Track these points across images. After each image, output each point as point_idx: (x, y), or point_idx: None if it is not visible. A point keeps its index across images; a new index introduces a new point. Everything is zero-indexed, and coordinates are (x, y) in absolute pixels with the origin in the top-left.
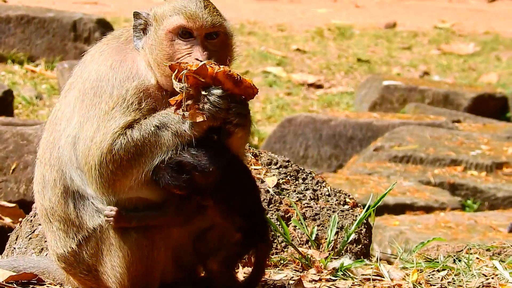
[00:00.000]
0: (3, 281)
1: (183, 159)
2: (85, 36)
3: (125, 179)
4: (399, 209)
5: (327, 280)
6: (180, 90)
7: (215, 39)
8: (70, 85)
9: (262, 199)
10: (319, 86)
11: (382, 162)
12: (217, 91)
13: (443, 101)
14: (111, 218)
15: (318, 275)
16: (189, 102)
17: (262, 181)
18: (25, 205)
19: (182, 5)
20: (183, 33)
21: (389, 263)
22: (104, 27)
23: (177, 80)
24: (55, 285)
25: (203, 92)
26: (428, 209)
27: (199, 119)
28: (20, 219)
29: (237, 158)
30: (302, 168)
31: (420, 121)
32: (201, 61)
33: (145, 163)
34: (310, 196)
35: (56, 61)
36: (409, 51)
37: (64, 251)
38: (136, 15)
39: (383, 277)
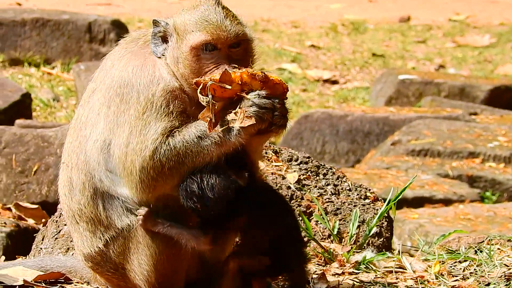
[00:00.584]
0: (31, 280)
1: (190, 185)
2: (100, 38)
3: (165, 185)
4: (418, 202)
5: (350, 274)
6: (206, 104)
7: (238, 47)
8: (93, 91)
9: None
10: (335, 82)
11: (400, 156)
12: (259, 92)
13: (459, 94)
14: (141, 217)
15: (341, 269)
16: (236, 109)
17: (283, 178)
18: (47, 206)
19: (203, 18)
20: (207, 48)
21: (410, 256)
22: (119, 28)
23: (204, 94)
24: (82, 284)
25: (247, 96)
26: (447, 202)
27: (248, 122)
28: (43, 220)
29: (266, 188)
30: (323, 164)
31: (437, 114)
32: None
33: (186, 171)
34: (331, 191)
35: (72, 63)
36: (424, 44)
37: (91, 251)
38: (155, 23)
39: (406, 269)
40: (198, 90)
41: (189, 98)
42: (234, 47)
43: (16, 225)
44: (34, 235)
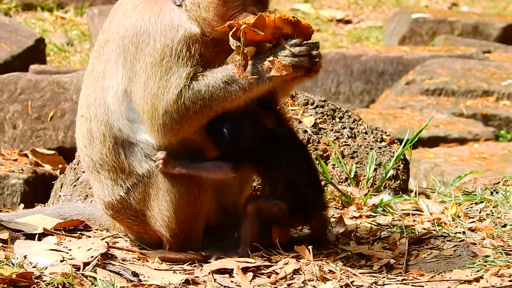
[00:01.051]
0: (51, 228)
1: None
2: None
3: (190, 128)
4: (433, 142)
5: (367, 217)
6: (236, 48)
7: None
8: (106, 42)
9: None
10: (348, 22)
11: (414, 96)
12: (296, 41)
13: (473, 32)
14: (160, 161)
15: (358, 212)
16: (271, 58)
17: (300, 122)
18: (64, 152)
19: None
20: None
21: (426, 196)
22: None
23: (234, 37)
24: (102, 231)
25: (284, 44)
26: (461, 141)
27: (285, 72)
28: (59, 166)
29: (289, 133)
30: (339, 107)
31: (451, 53)
32: (255, 14)
33: (210, 115)
34: (347, 135)
35: (85, 7)
36: None
37: (112, 199)
38: None
39: (422, 212)
40: (230, 33)
41: (210, 44)
42: None
43: (33, 171)
44: (53, 182)
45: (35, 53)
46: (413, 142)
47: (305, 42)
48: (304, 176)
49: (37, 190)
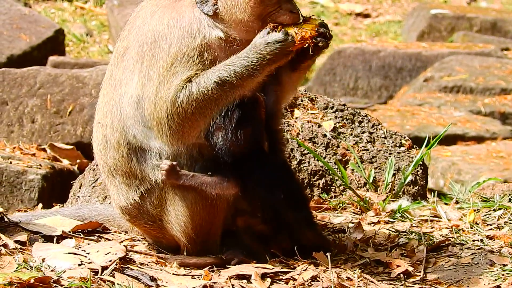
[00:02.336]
0: (69, 231)
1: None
2: None
3: (193, 129)
4: (451, 139)
5: (386, 222)
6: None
7: None
8: (125, 49)
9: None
10: (367, 15)
11: (432, 93)
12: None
13: (491, 29)
14: (164, 172)
15: (377, 217)
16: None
17: (319, 126)
18: (82, 147)
19: None
20: None
21: (442, 194)
22: None
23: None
24: (120, 233)
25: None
26: (479, 139)
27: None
28: (77, 161)
29: (277, 158)
30: (358, 111)
31: (469, 50)
32: (294, 12)
33: (210, 114)
34: (366, 139)
35: None
36: None
37: (127, 203)
38: None
39: (440, 218)
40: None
41: (225, 46)
42: None
43: (51, 166)
44: (72, 182)
45: (54, 44)
46: (428, 139)
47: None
48: (283, 201)
49: (55, 186)
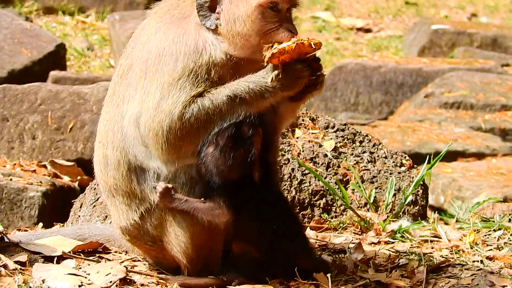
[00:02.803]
0: (70, 251)
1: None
2: None
3: (190, 144)
4: (451, 156)
5: (386, 243)
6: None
7: (293, 9)
8: (129, 67)
9: (293, 211)
10: (368, 30)
11: (433, 109)
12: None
13: (492, 44)
14: (158, 194)
15: (377, 238)
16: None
17: (320, 145)
18: (83, 163)
19: None
20: (273, 7)
21: (443, 211)
22: None
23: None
24: (121, 253)
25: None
26: (479, 156)
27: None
28: (78, 177)
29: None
30: (359, 131)
31: (470, 66)
32: (292, 32)
33: (213, 128)
34: (367, 159)
35: (106, 12)
36: None
37: (127, 224)
38: None
39: (441, 238)
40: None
41: (230, 65)
42: (291, 9)
43: (51, 184)
44: (72, 201)
45: (56, 58)
46: (429, 155)
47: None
48: (278, 232)
49: (55, 203)
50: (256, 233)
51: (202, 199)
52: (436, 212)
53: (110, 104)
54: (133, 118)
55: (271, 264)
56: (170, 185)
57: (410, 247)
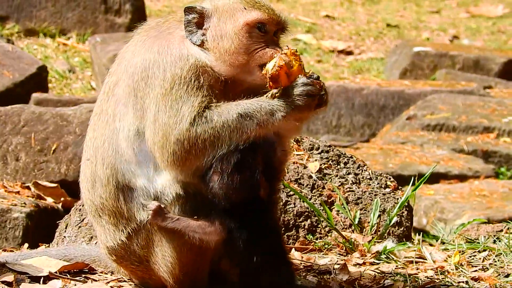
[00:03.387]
0: (56, 271)
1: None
2: (116, 9)
3: (197, 159)
4: (434, 178)
5: (371, 264)
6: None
7: (281, 33)
8: (115, 83)
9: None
10: (349, 53)
11: (415, 131)
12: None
13: (474, 67)
14: (151, 212)
15: (362, 259)
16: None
17: (305, 167)
18: (66, 185)
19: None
20: (260, 28)
21: (426, 233)
22: None
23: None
24: (106, 273)
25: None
26: (462, 178)
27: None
28: (62, 199)
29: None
30: (343, 153)
31: (452, 88)
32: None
33: (221, 146)
34: (352, 180)
35: (87, 34)
36: (438, 14)
37: (114, 244)
38: (189, 9)
39: (426, 259)
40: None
41: (220, 79)
42: (278, 33)
43: (35, 205)
44: (57, 222)
45: (37, 80)
46: (413, 177)
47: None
48: (262, 259)
49: (39, 224)
50: (243, 256)
51: (195, 217)
52: (420, 233)
53: (98, 122)
54: (131, 135)
55: None
56: (161, 204)
57: (395, 268)
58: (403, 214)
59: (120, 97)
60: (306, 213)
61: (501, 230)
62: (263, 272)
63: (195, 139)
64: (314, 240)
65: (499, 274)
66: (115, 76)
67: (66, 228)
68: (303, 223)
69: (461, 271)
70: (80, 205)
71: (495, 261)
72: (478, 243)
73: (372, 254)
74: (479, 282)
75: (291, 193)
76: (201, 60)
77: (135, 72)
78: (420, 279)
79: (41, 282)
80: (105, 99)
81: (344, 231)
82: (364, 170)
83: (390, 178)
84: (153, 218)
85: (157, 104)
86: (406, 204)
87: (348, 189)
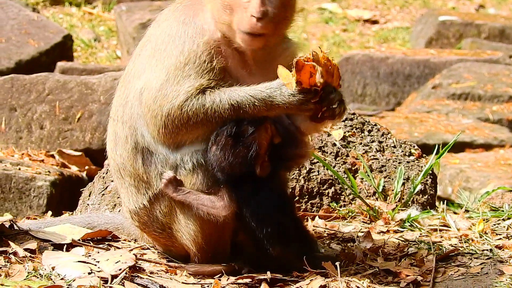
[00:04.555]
0: (79, 239)
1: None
2: None
3: (187, 135)
4: (459, 147)
5: (395, 232)
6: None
7: None
8: (143, 45)
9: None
10: (375, 22)
11: (441, 100)
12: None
13: (499, 36)
14: (164, 181)
15: (386, 227)
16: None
17: (329, 135)
18: (90, 153)
19: None
20: None
21: (451, 202)
22: None
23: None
24: (130, 241)
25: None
26: (487, 147)
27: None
28: (86, 167)
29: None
30: (368, 120)
31: (477, 57)
32: (257, 17)
33: (211, 128)
34: (376, 148)
35: (113, 3)
36: None
37: (136, 208)
38: None
39: (450, 227)
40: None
41: (232, 53)
42: None
43: (60, 173)
44: (81, 190)
45: (63, 49)
46: (438, 146)
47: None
48: (272, 235)
49: (63, 192)
50: (253, 230)
51: (211, 190)
52: (445, 202)
53: (123, 82)
54: (138, 93)
55: (267, 261)
56: (176, 176)
57: (419, 236)
58: (427, 182)
59: (143, 59)
60: (330, 180)
61: None
62: (275, 244)
63: (186, 118)
64: (338, 208)
65: None
66: (146, 38)
67: (89, 195)
68: (327, 191)
69: (485, 239)
70: (103, 173)
71: None
72: (503, 211)
73: (396, 222)
74: (503, 250)
75: (315, 160)
76: (214, 35)
77: (159, 36)
78: (444, 247)
79: (64, 249)
80: (133, 60)
81: (368, 199)
82: (388, 138)
83: (414, 146)
84: (164, 187)
85: (168, 74)
86: (431, 172)
87: (372, 156)
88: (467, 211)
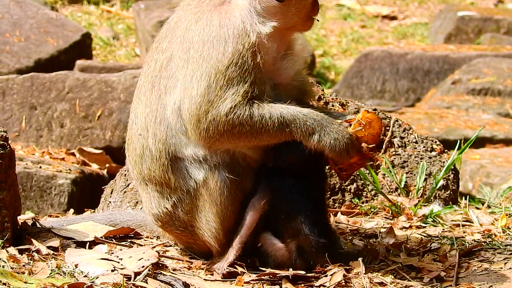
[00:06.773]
0: (102, 236)
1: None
2: None
3: (228, 143)
4: (479, 142)
5: (418, 227)
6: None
7: None
8: (169, 60)
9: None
10: (393, 18)
11: (460, 95)
12: None
13: None
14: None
15: (409, 222)
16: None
17: None
18: (111, 151)
19: None
20: None
21: (471, 196)
22: None
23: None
24: (152, 238)
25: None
26: (507, 142)
27: None
28: (107, 165)
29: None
30: (389, 116)
31: (497, 52)
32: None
33: (251, 142)
34: (397, 144)
35: (131, 1)
36: None
37: (159, 212)
38: None
39: (472, 222)
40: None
41: (272, 46)
42: None
43: (80, 171)
44: (103, 187)
45: (82, 48)
46: (458, 141)
47: None
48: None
49: (84, 190)
50: (282, 222)
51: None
52: (467, 197)
53: (151, 97)
54: (176, 106)
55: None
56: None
57: (442, 232)
58: (449, 177)
59: (172, 72)
60: (352, 176)
61: None
62: (302, 241)
63: (230, 126)
64: (360, 204)
65: None
66: (168, 52)
67: (111, 193)
68: (349, 187)
69: (508, 234)
70: (125, 170)
71: None
72: None
73: (418, 217)
74: None
75: None
76: (262, 32)
77: (191, 47)
78: (467, 242)
79: (86, 247)
80: (157, 76)
81: (390, 194)
82: (410, 133)
83: (436, 142)
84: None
85: (209, 79)
86: (452, 167)
87: (394, 152)
88: (489, 206)
